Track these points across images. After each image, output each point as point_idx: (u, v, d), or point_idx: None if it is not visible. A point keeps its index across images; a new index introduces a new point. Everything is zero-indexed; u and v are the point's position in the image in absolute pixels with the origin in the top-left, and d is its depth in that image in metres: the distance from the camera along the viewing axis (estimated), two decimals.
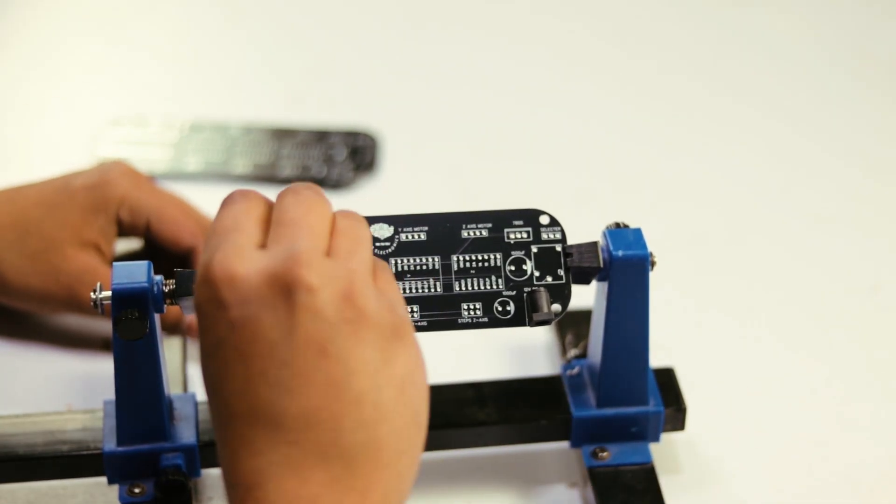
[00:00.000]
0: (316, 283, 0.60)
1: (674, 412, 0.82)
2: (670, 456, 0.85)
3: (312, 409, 0.60)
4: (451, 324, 0.74)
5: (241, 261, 0.61)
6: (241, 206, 0.64)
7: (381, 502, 0.61)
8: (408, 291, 0.74)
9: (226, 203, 0.65)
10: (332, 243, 0.63)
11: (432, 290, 0.74)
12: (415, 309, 0.74)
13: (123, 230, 0.88)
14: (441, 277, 0.74)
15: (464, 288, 0.74)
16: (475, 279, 0.74)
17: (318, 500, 0.60)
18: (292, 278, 0.60)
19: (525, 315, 0.74)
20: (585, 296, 0.80)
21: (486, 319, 0.74)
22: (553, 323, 0.74)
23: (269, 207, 0.65)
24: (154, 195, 0.88)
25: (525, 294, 0.74)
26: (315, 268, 0.61)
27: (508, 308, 0.74)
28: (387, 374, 0.61)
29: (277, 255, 0.61)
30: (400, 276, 0.74)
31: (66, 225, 0.84)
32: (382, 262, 0.65)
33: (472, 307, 0.74)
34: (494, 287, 0.74)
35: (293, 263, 0.61)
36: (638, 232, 0.77)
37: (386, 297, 0.63)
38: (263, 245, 0.63)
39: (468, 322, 0.74)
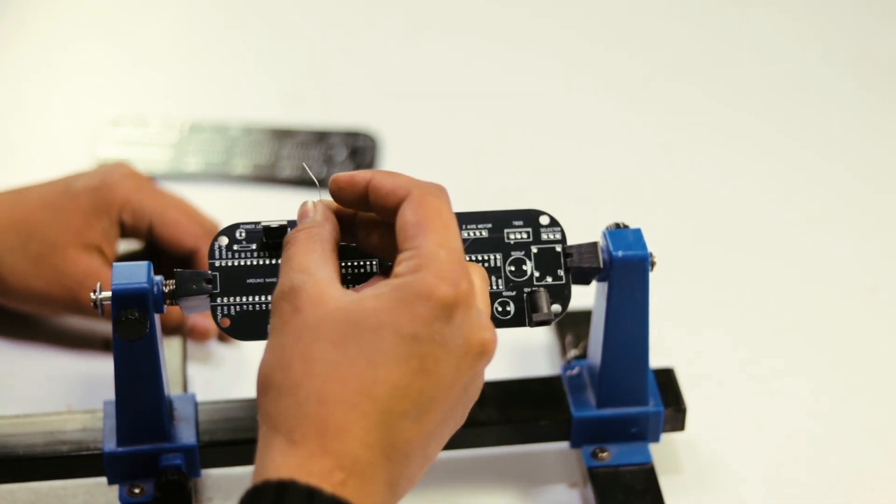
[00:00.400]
0: (493, 352, 0.65)
1: (673, 412, 0.82)
2: (670, 456, 0.85)
3: (415, 444, 0.64)
4: None
5: (477, 299, 0.66)
6: (451, 213, 0.67)
7: (399, 497, 0.65)
8: None
9: (435, 194, 0.68)
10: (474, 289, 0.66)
11: None
12: None
13: (125, 232, 0.88)
14: None
15: None
16: None
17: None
18: (489, 348, 0.65)
19: (525, 315, 0.74)
20: (585, 296, 0.80)
21: None
22: (553, 323, 0.74)
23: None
24: (156, 197, 0.88)
25: (525, 294, 0.74)
26: (495, 340, 0.65)
27: (508, 308, 0.74)
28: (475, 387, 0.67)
29: (487, 321, 0.65)
30: None
31: (69, 227, 0.84)
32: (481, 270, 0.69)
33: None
34: (494, 287, 0.74)
35: (491, 336, 0.65)
36: (638, 232, 0.77)
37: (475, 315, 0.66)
38: None
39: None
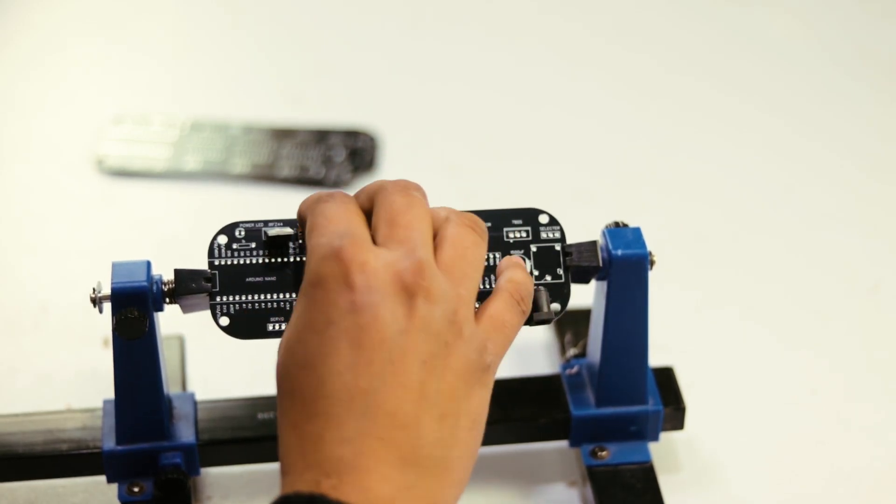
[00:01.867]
0: (435, 294, 0.64)
1: (673, 411, 0.82)
2: (669, 455, 0.85)
3: (403, 411, 0.63)
4: None
5: (372, 253, 0.64)
6: (348, 207, 0.67)
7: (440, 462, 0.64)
8: None
9: (325, 200, 0.67)
10: (449, 260, 0.66)
11: None
12: None
13: None
14: None
15: None
16: None
17: (392, 502, 0.62)
18: (417, 282, 0.63)
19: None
20: (585, 295, 0.80)
21: None
22: (552, 322, 0.74)
23: (371, 204, 0.67)
24: None
25: None
26: (434, 282, 0.64)
27: None
28: (466, 405, 0.65)
29: (402, 256, 0.64)
30: None
31: None
32: (514, 298, 0.69)
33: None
34: (494, 286, 0.74)
35: (418, 269, 0.64)
36: (637, 231, 0.77)
37: (479, 334, 0.66)
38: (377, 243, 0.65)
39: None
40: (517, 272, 0.70)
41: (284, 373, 0.64)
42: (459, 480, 0.65)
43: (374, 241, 0.65)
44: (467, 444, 0.65)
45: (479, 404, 0.65)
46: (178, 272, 0.73)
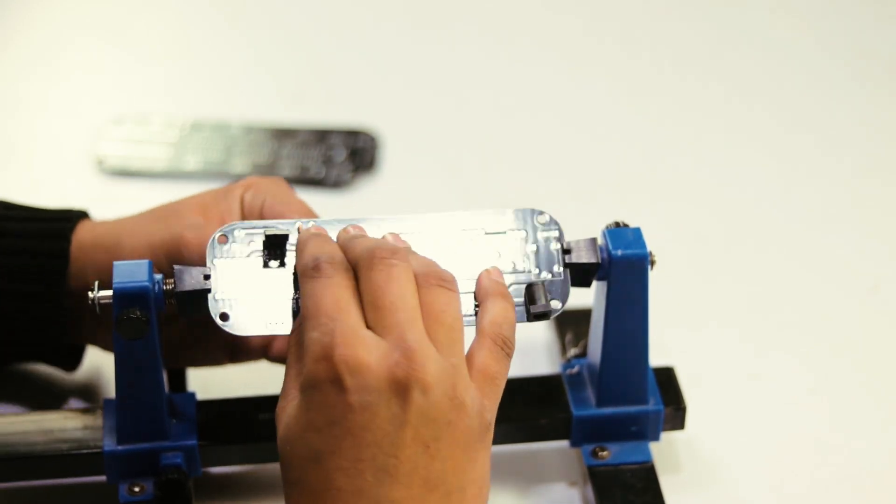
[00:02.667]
0: (430, 382, 0.65)
1: (673, 411, 0.82)
2: (670, 455, 0.85)
3: (410, 497, 0.65)
4: None
5: (363, 347, 0.65)
6: (334, 285, 0.67)
7: None
8: None
9: (309, 276, 0.68)
10: (431, 331, 0.67)
11: None
12: None
13: (244, 212, 0.88)
14: None
15: (462, 285, 0.74)
16: (474, 277, 0.74)
17: None
18: (410, 375, 0.65)
19: (524, 311, 0.74)
20: (585, 295, 0.80)
21: None
22: (552, 318, 0.74)
23: (349, 275, 0.68)
24: (276, 183, 0.88)
25: (523, 289, 0.74)
26: (428, 367, 0.66)
27: None
28: (471, 474, 0.67)
29: (392, 347, 0.66)
30: None
31: (196, 199, 0.85)
32: (497, 346, 0.70)
33: (471, 303, 0.74)
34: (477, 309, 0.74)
35: (409, 362, 0.65)
36: (637, 231, 0.77)
37: (479, 397, 0.67)
38: (367, 324, 0.67)
39: (467, 317, 0.74)
40: (496, 307, 0.71)
41: (289, 463, 0.67)
42: None
43: (365, 320, 0.67)
44: None
45: (483, 467, 0.68)
46: (177, 269, 0.73)
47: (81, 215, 0.85)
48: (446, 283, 0.69)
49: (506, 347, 0.70)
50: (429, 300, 0.68)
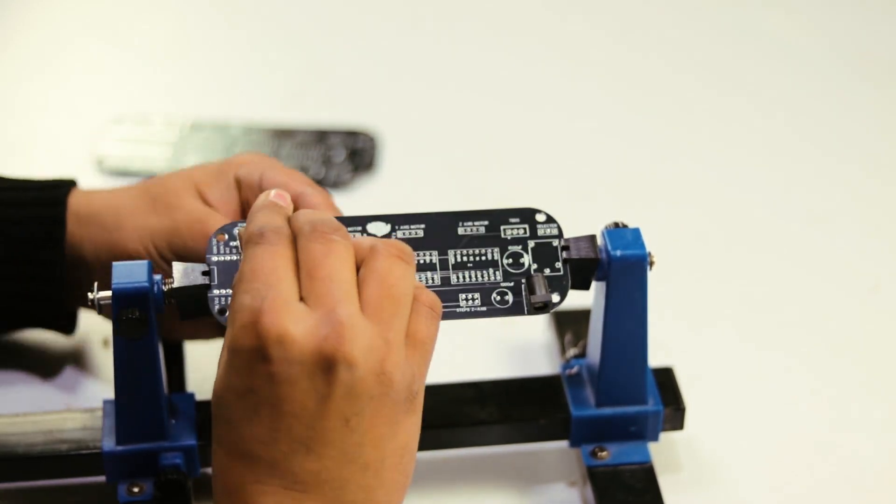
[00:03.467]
0: (357, 359, 0.64)
1: (673, 412, 0.82)
2: (669, 455, 0.85)
3: (325, 469, 0.65)
4: (450, 314, 0.74)
5: (291, 319, 0.64)
6: (275, 253, 0.66)
7: None
8: None
9: (254, 241, 0.67)
10: (375, 300, 0.66)
11: (430, 282, 0.74)
12: None
13: (241, 191, 0.88)
14: (438, 271, 0.75)
15: (462, 280, 0.74)
16: (473, 272, 0.75)
17: None
18: (336, 353, 0.64)
19: (523, 305, 0.74)
20: (585, 295, 0.80)
21: (484, 309, 0.74)
22: (551, 316, 0.74)
23: (291, 245, 0.67)
24: (266, 157, 0.89)
25: (522, 283, 0.74)
26: (357, 343, 0.64)
27: (507, 298, 0.74)
28: (392, 445, 0.66)
29: (321, 321, 0.64)
30: None
31: (190, 178, 0.85)
32: (432, 300, 0.68)
33: (470, 297, 0.74)
34: (492, 279, 0.74)
35: (338, 337, 0.64)
36: (636, 232, 0.77)
37: (410, 368, 0.66)
38: (300, 295, 0.66)
39: (467, 312, 0.74)
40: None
41: (214, 416, 0.66)
42: None
43: (300, 291, 0.66)
44: (394, 480, 0.66)
45: (406, 434, 0.67)
46: (176, 265, 0.73)
47: (72, 183, 0.86)
48: (405, 255, 0.68)
49: (435, 309, 0.68)
50: (384, 268, 0.67)
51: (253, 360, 0.64)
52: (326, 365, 0.64)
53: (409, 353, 0.67)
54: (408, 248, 0.68)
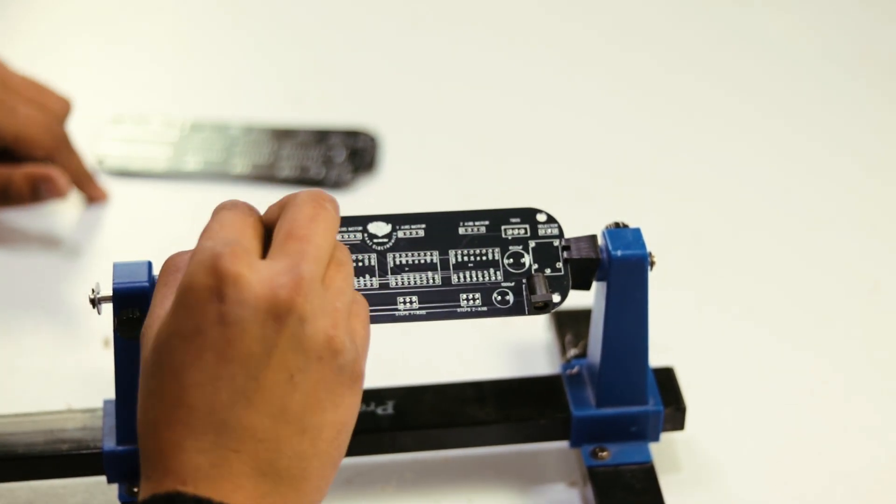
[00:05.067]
0: (308, 315, 0.63)
1: (673, 412, 0.82)
2: (670, 455, 0.85)
3: (262, 426, 0.63)
4: (451, 314, 0.74)
5: (250, 266, 0.63)
6: (244, 216, 0.66)
7: (297, 477, 0.64)
8: (406, 284, 0.74)
9: (227, 207, 0.67)
10: (328, 272, 0.65)
11: (431, 282, 0.74)
12: (413, 300, 0.74)
13: None
14: (439, 271, 0.75)
15: (462, 280, 0.74)
16: (473, 272, 0.75)
17: None
18: (291, 302, 0.63)
19: (524, 305, 0.74)
20: (585, 295, 0.80)
21: (485, 309, 0.74)
22: (551, 315, 0.74)
23: (262, 223, 0.67)
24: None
25: (523, 282, 0.74)
26: (311, 299, 0.63)
27: (507, 298, 0.74)
28: (331, 417, 0.65)
29: (282, 272, 0.63)
30: (398, 269, 0.74)
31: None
32: (362, 300, 0.68)
33: (471, 297, 0.74)
34: (493, 279, 0.74)
35: (295, 288, 0.63)
36: (637, 232, 0.77)
37: (355, 344, 0.65)
38: (262, 258, 0.65)
39: (467, 311, 0.74)
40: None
41: (148, 371, 0.64)
42: (318, 488, 0.65)
43: (266, 254, 0.65)
44: (328, 453, 0.65)
45: (346, 412, 0.65)
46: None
47: None
48: (346, 250, 0.67)
49: (367, 318, 0.68)
50: (341, 255, 0.66)
51: (205, 298, 0.63)
52: (278, 313, 0.63)
53: (352, 336, 0.66)
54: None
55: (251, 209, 0.67)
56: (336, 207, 0.67)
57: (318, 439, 0.64)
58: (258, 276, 0.63)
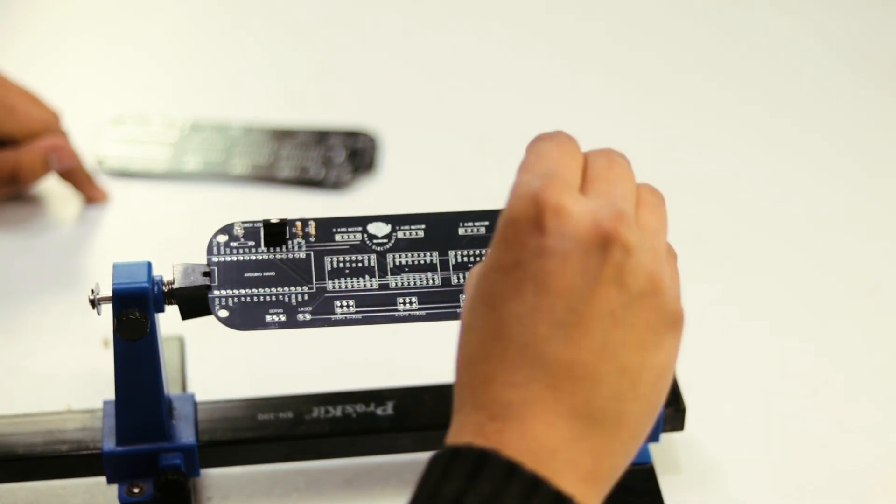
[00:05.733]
0: (634, 246, 0.60)
1: (673, 412, 0.82)
2: (670, 456, 0.85)
3: (580, 362, 0.60)
4: (451, 314, 0.74)
5: (571, 198, 0.61)
6: (563, 148, 0.64)
7: (606, 474, 0.62)
8: (405, 284, 0.74)
9: (544, 139, 0.65)
10: (640, 215, 0.63)
11: (430, 282, 0.74)
12: (413, 301, 0.74)
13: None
14: (439, 271, 0.75)
15: (462, 281, 0.74)
16: None
17: (556, 453, 0.59)
18: (615, 232, 0.60)
19: None
20: None
21: None
22: None
23: (581, 153, 0.65)
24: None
25: None
26: (634, 234, 0.61)
27: None
28: (652, 359, 0.61)
29: (602, 205, 0.61)
30: (397, 270, 0.74)
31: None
32: (672, 250, 0.65)
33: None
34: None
35: (618, 219, 0.61)
36: None
37: (676, 286, 0.63)
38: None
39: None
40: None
41: (468, 306, 0.62)
42: (633, 436, 0.62)
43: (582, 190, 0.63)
44: (648, 398, 0.61)
45: (668, 356, 0.62)
46: (175, 266, 0.73)
47: None
48: (658, 194, 0.66)
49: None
50: (651, 200, 0.65)
51: (526, 230, 0.60)
52: (601, 243, 0.60)
53: (672, 277, 0.63)
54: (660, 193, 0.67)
55: (569, 139, 0.65)
56: (629, 163, 0.66)
57: (638, 381, 0.61)
58: (580, 208, 0.61)
